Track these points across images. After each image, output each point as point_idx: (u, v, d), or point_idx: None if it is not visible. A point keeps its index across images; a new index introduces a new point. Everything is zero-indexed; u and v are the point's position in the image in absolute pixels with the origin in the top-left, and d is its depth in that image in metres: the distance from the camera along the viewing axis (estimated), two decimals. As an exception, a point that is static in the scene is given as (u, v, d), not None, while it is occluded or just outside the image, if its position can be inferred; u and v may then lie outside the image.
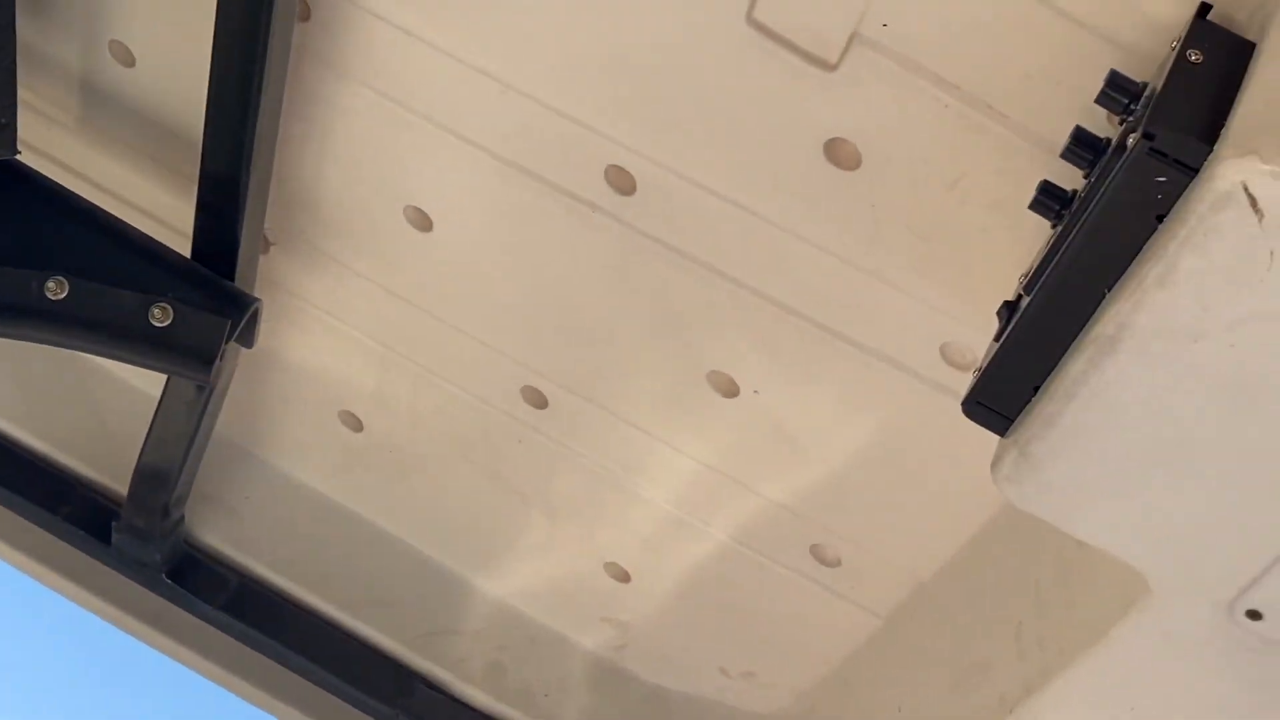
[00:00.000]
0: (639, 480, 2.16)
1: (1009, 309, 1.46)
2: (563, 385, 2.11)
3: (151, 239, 2.05)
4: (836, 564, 2.11)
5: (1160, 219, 1.28)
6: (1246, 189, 1.20)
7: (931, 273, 1.72)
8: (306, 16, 1.88)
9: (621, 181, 1.83)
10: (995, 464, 1.45)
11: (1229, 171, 1.19)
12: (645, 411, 2.07)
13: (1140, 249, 1.29)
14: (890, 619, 2.13)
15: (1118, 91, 1.36)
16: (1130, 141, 1.29)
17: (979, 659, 1.91)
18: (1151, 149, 1.25)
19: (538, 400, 2.16)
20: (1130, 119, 1.35)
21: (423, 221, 2.02)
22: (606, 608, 2.38)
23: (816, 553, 2.12)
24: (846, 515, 2.05)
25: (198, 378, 2.05)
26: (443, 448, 2.32)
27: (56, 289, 2.03)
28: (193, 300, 2.03)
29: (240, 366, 2.28)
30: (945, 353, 1.79)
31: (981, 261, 1.68)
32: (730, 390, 1.98)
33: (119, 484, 2.47)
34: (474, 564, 2.47)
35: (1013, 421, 1.45)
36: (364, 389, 2.32)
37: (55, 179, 2.07)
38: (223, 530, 2.54)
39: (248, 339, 2.09)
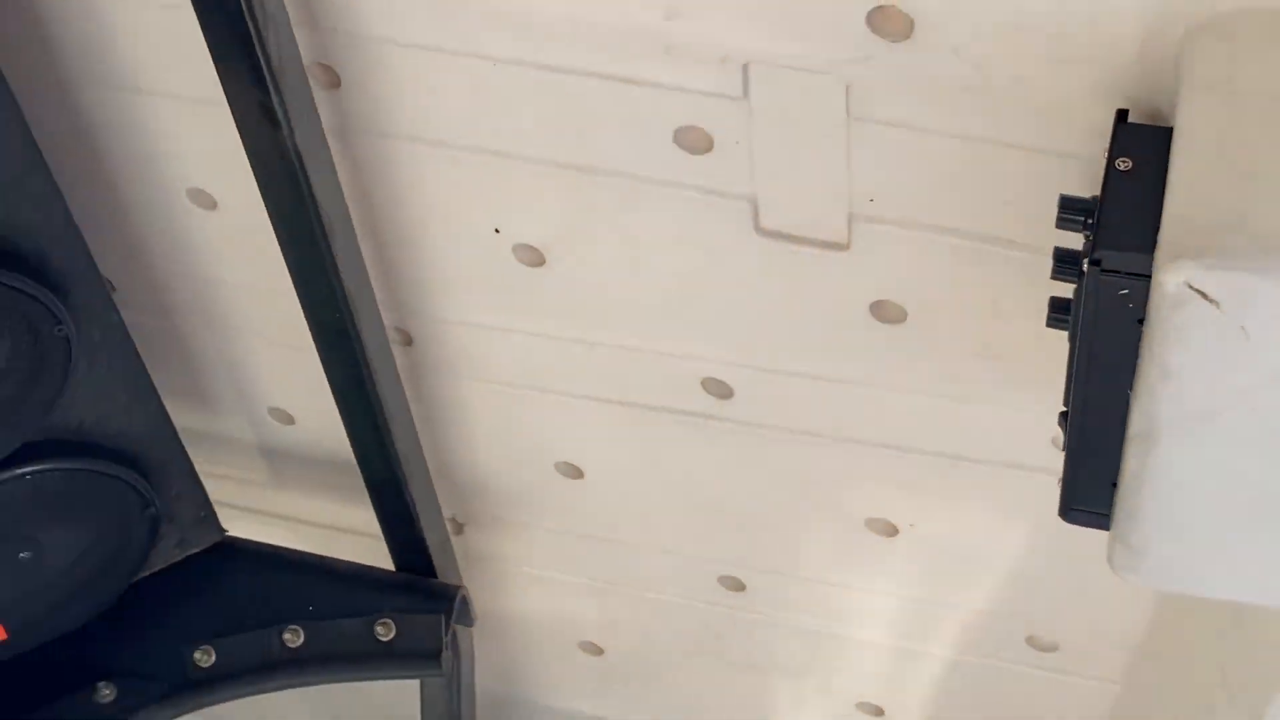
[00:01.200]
0: (849, 626, 2.30)
1: (1063, 418, 1.57)
2: (750, 567, 2.27)
3: (358, 565, 2.29)
4: (1055, 649, 2.21)
5: (1141, 322, 1.38)
6: (1192, 286, 1.30)
7: (1013, 383, 1.83)
8: (408, 341, 2.11)
9: (719, 389, 2.00)
10: (1110, 559, 1.55)
11: (1171, 277, 1.30)
12: (827, 567, 2.21)
13: (1136, 350, 1.40)
14: (1126, 682, 2.21)
15: (1072, 212, 1.47)
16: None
17: (1202, 703, 1.98)
18: (1103, 270, 1.36)
19: (735, 585, 2.32)
20: (1089, 234, 1.46)
21: (575, 472, 2.21)
22: (872, 741, 2.51)
23: (1034, 643, 2.22)
24: (1045, 603, 2.15)
25: (432, 673, 2.26)
26: (676, 648, 2.49)
27: (293, 638, 2.27)
28: (407, 607, 2.25)
29: (482, 632, 2.50)
30: (1058, 444, 1.90)
31: (1050, 360, 1.79)
32: (890, 530, 2.11)
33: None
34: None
35: (1108, 517, 1.55)
36: (589, 619, 2.51)
37: (264, 530, 2.34)
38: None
39: (466, 619, 2.30)
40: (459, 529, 2.42)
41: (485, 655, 2.59)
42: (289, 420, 2.31)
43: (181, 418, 2.31)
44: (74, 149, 1.96)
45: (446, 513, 2.37)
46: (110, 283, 2.18)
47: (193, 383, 2.30)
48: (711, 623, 2.42)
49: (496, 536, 2.41)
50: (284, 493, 2.44)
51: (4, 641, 2.16)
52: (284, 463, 2.39)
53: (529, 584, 2.49)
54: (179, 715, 2.27)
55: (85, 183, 1.99)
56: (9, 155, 1.75)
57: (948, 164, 1.62)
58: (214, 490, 2.42)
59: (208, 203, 2.00)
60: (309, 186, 1.74)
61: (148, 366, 2.17)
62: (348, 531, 2.41)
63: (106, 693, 2.26)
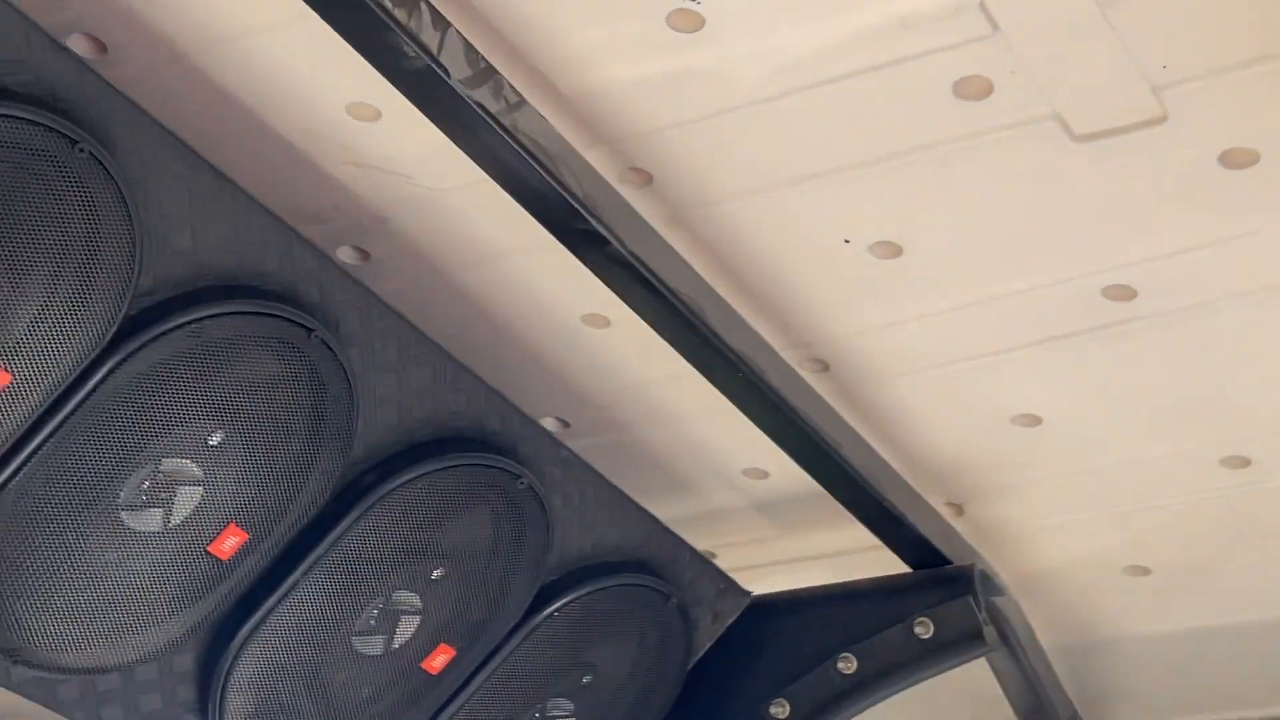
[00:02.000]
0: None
1: None
2: (1241, 440, 2.26)
3: (876, 579, 2.40)
4: None
5: None
6: None
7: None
8: (825, 367, 2.21)
9: (1122, 293, 2.01)
10: None
11: None
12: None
13: None
14: None
15: None
16: None
17: None
18: None
19: (1239, 462, 2.29)
20: None
21: (1032, 420, 2.26)
22: None
23: None
24: None
25: (980, 651, 2.34)
26: (1212, 540, 2.47)
27: (847, 665, 2.39)
28: (935, 600, 2.34)
29: (1031, 592, 2.55)
30: None
31: None
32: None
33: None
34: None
35: None
36: (1121, 544, 2.51)
37: (781, 579, 2.50)
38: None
39: (994, 590, 2.37)
40: (959, 510, 2.48)
41: (1045, 611, 2.64)
42: (763, 475, 2.44)
43: (669, 510, 2.51)
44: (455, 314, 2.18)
45: (940, 499, 2.45)
46: (563, 421, 2.39)
47: (667, 476, 2.47)
48: (1236, 503, 2.39)
49: (996, 504, 2.46)
50: (784, 539, 2.57)
51: (599, 759, 2.38)
52: (774, 513, 2.52)
53: (1050, 534, 2.52)
54: (778, 769, 2.44)
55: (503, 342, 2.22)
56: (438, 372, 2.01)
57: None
58: (726, 560, 2.61)
59: (602, 323, 2.18)
60: (658, 279, 1.88)
61: (621, 478, 2.38)
62: (853, 551, 2.52)
63: (711, 774, 2.45)
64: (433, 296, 2.16)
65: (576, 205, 1.80)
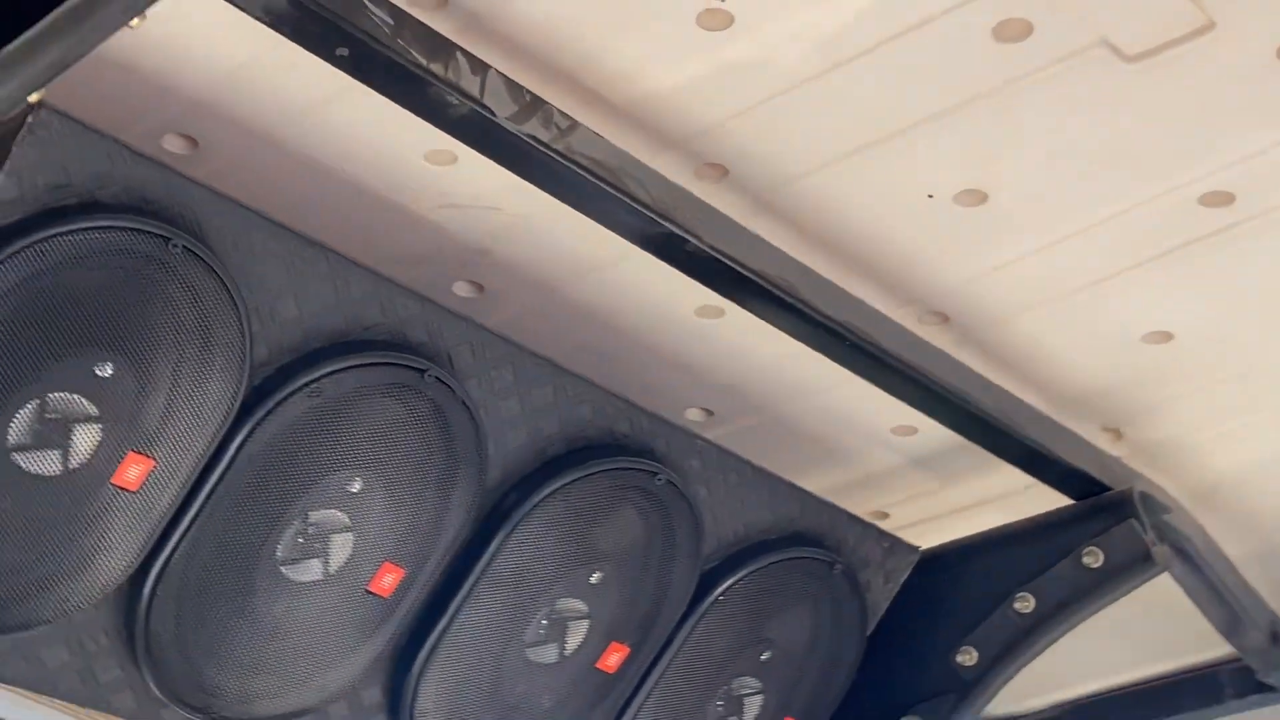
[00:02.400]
0: None
1: None
2: None
3: (1039, 515, 2.43)
4: None
5: None
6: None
7: None
8: (945, 319, 2.24)
9: (1219, 199, 2.00)
10: None
11: None
12: None
13: None
14: None
15: None
16: None
17: None
18: None
19: None
20: None
21: (1163, 337, 2.25)
22: None
23: None
24: None
25: (1154, 572, 2.34)
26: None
27: (1024, 604, 2.41)
28: (1099, 528, 2.35)
29: (1209, 505, 2.54)
30: None
31: None
32: None
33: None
34: None
35: None
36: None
37: (946, 531, 2.54)
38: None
39: (1157, 509, 2.37)
40: (1117, 435, 2.48)
41: (1232, 520, 2.62)
42: (912, 431, 2.47)
43: (828, 479, 2.56)
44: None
45: (1094, 426, 2.45)
46: (707, 410, 2.46)
47: (819, 447, 2.52)
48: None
49: (1152, 423, 2.44)
50: (947, 491, 2.59)
51: (798, 732, 2.45)
52: (931, 466, 2.55)
53: (1216, 444, 2.49)
54: (973, 716, 2.47)
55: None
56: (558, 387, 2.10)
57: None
58: (896, 519, 2.65)
59: (716, 313, 2.24)
60: (745, 266, 1.96)
61: (776, 456, 2.45)
62: (1019, 491, 2.53)
63: (909, 730, 2.49)
64: (551, 314, 2.25)
65: (648, 212, 1.87)
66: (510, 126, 1.75)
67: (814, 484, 2.59)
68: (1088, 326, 2.26)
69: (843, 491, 2.63)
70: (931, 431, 2.45)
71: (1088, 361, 2.33)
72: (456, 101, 1.72)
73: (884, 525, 2.62)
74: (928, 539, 2.60)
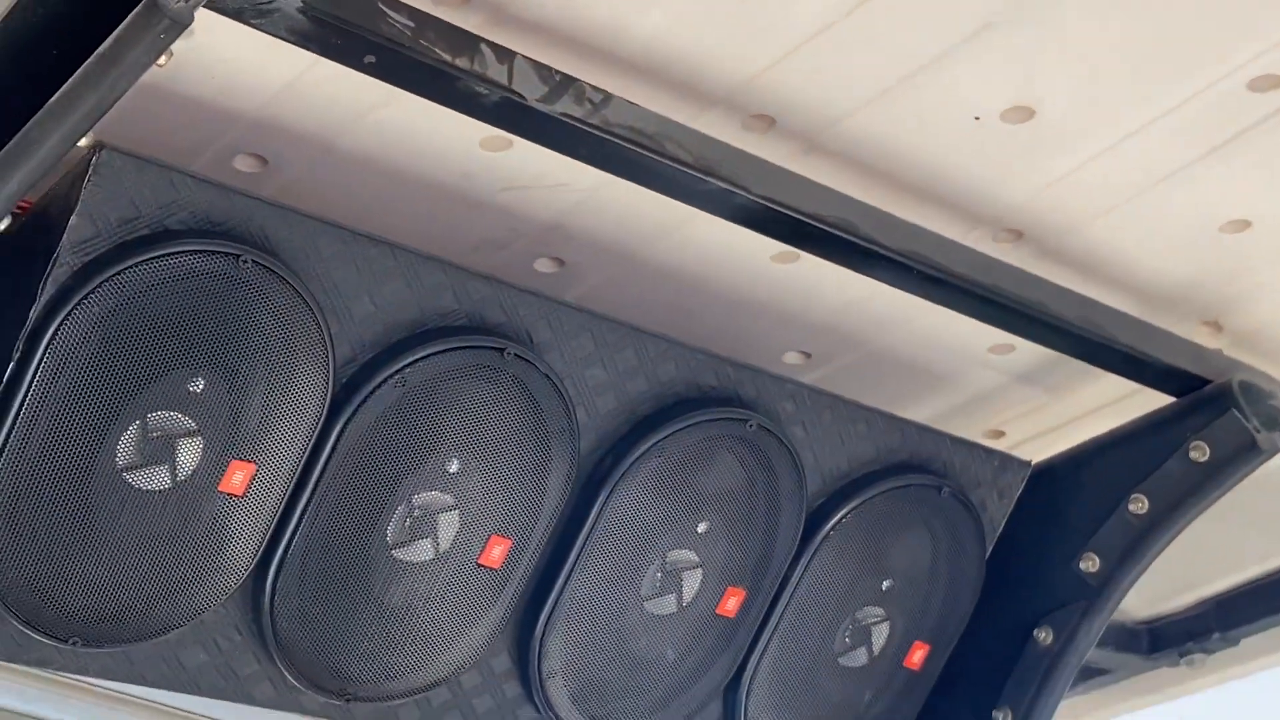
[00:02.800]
0: None
1: None
2: None
3: (1141, 418, 2.45)
4: None
5: None
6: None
7: None
8: (1019, 236, 2.26)
9: (1269, 83, 2.00)
10: None
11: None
12: None
13: None
14: None
15: None
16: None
17: None
18: None
19: None
20: None
21: (1241, 226, 2.25)
22: None
23: None
24: None
25: (1263, 456, 2.34)
26: None
27: (1138, 505, 2.43)
28: (1200, 422, 2.37)
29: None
30: None
31: None
32: None
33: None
34: None
35: None
36: None
37: (1056, 444, 2.57)
38: None
39: (1261, 395, 2.36)
40: (1216, 328, 2.47)
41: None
42: (1009, 349, 2.50)
43: (934, 406, 2.60)
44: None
45: (1192, 322, 2.45)
46: (804, 353, 2.51)
47: (920, 375, 2.56)
48: None
49: (1248, 311, 2.43)
50: (1054, 404, 2.61)
51: (929, 654, 2.49)
52: (1033, 380, 2.57)
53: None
54: (1104, 621, 2.49)
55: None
56: (639, 349, 2.16)
57: None
58: (1011, 437, 2.68)
59: (791, 258, 2.29)
60: (797, 210, 2.01)
61: (879, 389, 2.50)
62: (1126, 396, 2.54)
63: (1044, 636, 2.51)
64: (635, 279, 2.32)
65: (692, 171, 1.93)
66: (543, 108, 1.82)
67: (924, 412, 2.64)
68: (1162, 224, 2.26)
69: (954, 416, 2.67)
70: (1028, 347, 2.47)
71: (1170, 259, 2.34)
72: (486, 91, 1.79)
73: (1000, 444, 2.66)
74: (1048, 453, 2.63)
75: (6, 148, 1.62)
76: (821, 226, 2.04)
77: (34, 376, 1.80)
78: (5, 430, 1.81)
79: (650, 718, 2.29)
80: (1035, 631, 2.52)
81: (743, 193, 1.97)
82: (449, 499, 2.07)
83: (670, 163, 1.92)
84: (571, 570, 2.18)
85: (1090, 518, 2.49)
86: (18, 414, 1.81)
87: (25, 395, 1.80)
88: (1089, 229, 2.27)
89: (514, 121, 1.85)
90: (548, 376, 2.08)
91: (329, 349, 1.94)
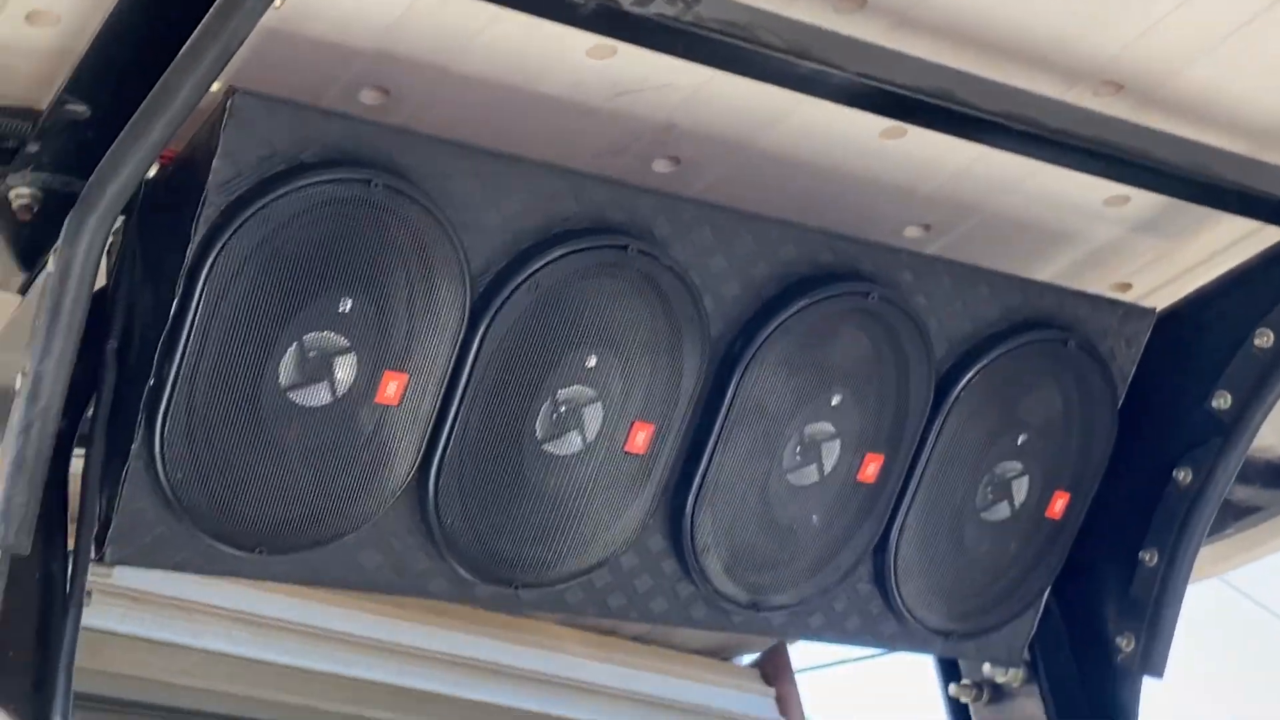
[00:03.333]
0: None
1: None
2: None
3: (1259, 254, 2.50)
4: None
5: None
6: None
7: None
8: (1119, 88, 2.31)
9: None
10: None
11: None
12: None
13: None
14: None
15: None
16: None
17: None
18: None
19: None
20: None
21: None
22: None
23: None
24: None
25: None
26: None
27: (1264, 340, 2.49)
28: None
29: None
30: None
31: None
32: None
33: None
34: None
35: None
36: None
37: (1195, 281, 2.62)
38: None
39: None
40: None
41: None
42: (1124, 200, 2.54)
43: (1057, 264, 2.67)
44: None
45: None
46: (924, 225, 2.58)
47: (1040, 234, 2.62)
48: None
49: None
50: (1178, 251, 2.65)
51: (1070, 503, 2.57)
52: (1153, 229, 2.61)
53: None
54: (1241, 456, 2.55)
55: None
56: (758, 233, 2.26)
57: None
58: (1138, 288, 2.73)
59: (899, 133, 2.36)
60: (892, 83, 2.07)
61: (1002, 253, 2.58)
62: (1244, 238, 2.58)
63: (1183, 476, 2.58)
64: (752, 169, 2.41)
65: (787, 56, 2.01)
66: (637, 10, 1.91)
67: (1050, 270, 2.71)
68: (1260, 62, 2.29)
69: (1079, 272, 2.72)
70: (1143, 197, 2.53)
71: (1274, 92, 2.37)
72: (582, 1, 1.90)
73: (1128, 296, 2.72)
74: (1170, 303, 2.69)
75: (147, 99, 1.76)
76: (921, 98, 2.11)
77: (196, 311, 1.96)
78: (175, 364, 1.97)
79: (802, 583, 2.41)
80: (1174, 472, 2.59)
81: (838, 71, 2.05)
82: (591, 392, 2.20)
83: (765, 49, 2.00)
84: (714, 449, 2.30)
85: (1218, 356, 2.54)
86: (185, 347, 1.97)
87: (190, 329, 1.96)
88: (1187, 73, 2.31)
89: (612, 26, 1.95)
90: (671, 269, 2.19)
91: (463, 261, 2.07)
